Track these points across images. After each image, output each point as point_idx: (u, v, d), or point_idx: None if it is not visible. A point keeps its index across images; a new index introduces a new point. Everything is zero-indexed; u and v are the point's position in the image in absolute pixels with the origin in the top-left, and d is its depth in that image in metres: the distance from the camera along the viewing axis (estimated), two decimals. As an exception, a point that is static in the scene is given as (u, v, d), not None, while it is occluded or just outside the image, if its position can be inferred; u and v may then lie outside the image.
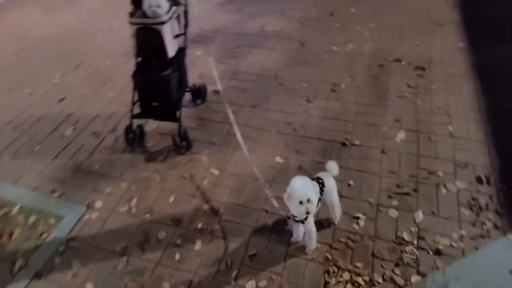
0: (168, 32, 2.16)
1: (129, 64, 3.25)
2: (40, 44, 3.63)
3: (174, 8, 2.16)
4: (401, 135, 2.31)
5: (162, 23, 2.09)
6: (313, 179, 1.68)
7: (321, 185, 1.67)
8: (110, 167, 2.32)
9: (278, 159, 2.27)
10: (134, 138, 2.43)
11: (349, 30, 3.45)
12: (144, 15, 2.13)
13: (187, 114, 2.58)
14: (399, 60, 2.97)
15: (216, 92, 2.87)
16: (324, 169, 1.77)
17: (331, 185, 1.71)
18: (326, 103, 2.66)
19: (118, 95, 2.92)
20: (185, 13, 2.27)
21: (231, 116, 2.23)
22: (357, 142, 2.31)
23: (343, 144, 2.31)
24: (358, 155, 2.23)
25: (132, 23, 2.12)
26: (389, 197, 1.97)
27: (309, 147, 2.33)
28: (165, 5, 2.10)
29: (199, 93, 2.74)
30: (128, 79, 3.09)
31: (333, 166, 1.75)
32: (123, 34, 3.68)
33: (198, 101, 2.77)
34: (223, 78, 2.99)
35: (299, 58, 3.15)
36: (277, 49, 3.30)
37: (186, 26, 2.30)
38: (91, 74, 3.18)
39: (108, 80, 3.09)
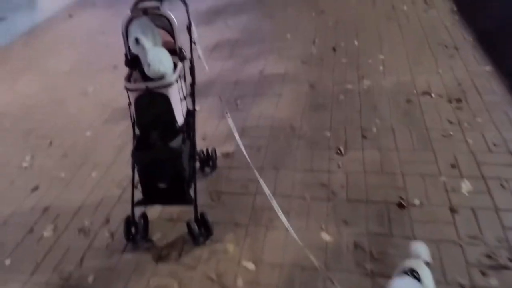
0: (176, 95, 1.86)
1: (113, 132, 2.92)
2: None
3: (180, 64, 1.88)
4: (466, 186, 2.04)
5: (169, 85, 1.79)
6: (405, 273, 1.33)
7: (417, 279, 1.33)
8: (109, 277, 1.88)
9: (325, 236, 1.92)
10: (137, 232, 2.02)
11: (359, 64, 3.29)
12: (144, 77, 1.83)
13: (197, 188, 2.22)
14: (428, 93, 2.80)
15: (227, 155, 2.55)
16: (406, 251, 1.43)
17: (428, 278, 1.37)
18: (362, 153, 2.39)
19: (105, 174, 2.53)
20: (191, 69, 1.99)
21: (261, 181, 1.91)
22: (416, 201, 2.01)
23: (400, 205, 2.00)
24: (423, 218, 1.92)
25: (130, 89, 1.80)
26: (483, 274, 1.64)
27: (358, 214, 2.00)
28: (170, 62, 1.81)
29: (209, 160, 2.41)
30: (114, 152, 2.73)
31: (421, 249, 1.43)
32: (100, 97, 3.36)
33: (208, 170, 2.43)
34: (230, 137, 2.68)
35: (313, 103, 2.92)
36: (284, 94, 3.07)
37: (193, 84, 2.01)
38: (68, 151, 2.79)
39: (89, 157, 2.70)
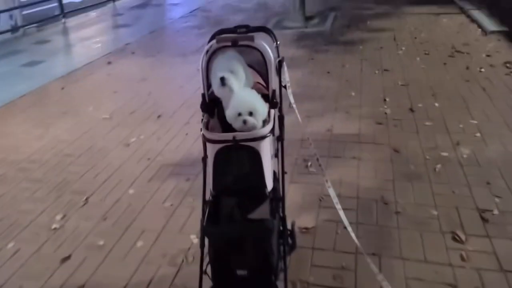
0: (268, 152, 1.49)
1: (161, 192, 2.53)
2: (28, 170, 2.90)
3: (272, 112, 1.54)
4: None
5: (263, 138, 1.42)
6: None
7: None
8: None
9: None
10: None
11: (449, 129, 2.93)
12: (225, 126, 1.48)
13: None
14: (551, 168, 2.38)
15: (306, 230, 2.11)
16: None
17: None
18: (487, 242, 1.91)
19: (154, 245, 2.10)
20: (280, 119, 1.63)
21: (379, 278, 1.43)
22: None
23: None
24: None
25: (211, 141, 1.44)
26: None
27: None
28: (264, 109, 1.47)
29: (286, 237, 1.96)
30: (164, 216, 2.33)
31: None
32: (144, 150, 3.05)
33: (286, 250, 1.97)
34: (308, 209, 2.27)
35: (404, 171, 2.51)
36: (364, 159, 2.69)
37: (281, 138, 1.63)
38: (107, 212, 2.40)
39: (134, 221, 2.30)
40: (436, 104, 3.32)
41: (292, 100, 1.62)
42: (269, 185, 1.53)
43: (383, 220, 2.13)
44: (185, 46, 5.72)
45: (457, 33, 5.18)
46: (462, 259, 1.84)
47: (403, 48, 4.74)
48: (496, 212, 2.10)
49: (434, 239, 1.97)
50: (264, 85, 1.57)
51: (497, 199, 2.18)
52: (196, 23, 6.93)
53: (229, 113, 1.44)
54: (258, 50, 1.49)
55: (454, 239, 1.96)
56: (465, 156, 2.60)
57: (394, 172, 2.52)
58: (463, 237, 1.95)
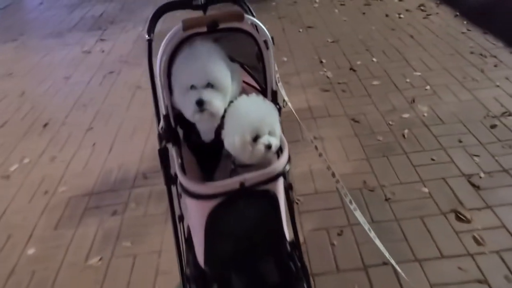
0: (282, 193, 0.96)
1: (78, 243, 1.84)
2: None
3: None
4: None
5: (282, 174, 0.89)
6: None
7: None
8: None
9: None
10: None
11: (397, 85, 2.72)
12: (205, 157, 0.92)
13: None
14: (509, 113, 2.31)
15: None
16: None
17: None
18: (491, 215, 1.72)
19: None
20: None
21: None
22: None
23: None
24: None
25: (204, 196, 0.85)
26: None
27: None
28: (278, 125, 0.95)
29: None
30: (94, 282, 1.64)
31: None
32: (35, 179, 2.19)
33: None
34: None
35: (374, 145, 2.20)
36: (326, 137, 2.31)
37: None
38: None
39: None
40: (374, 59, 3.08)
41: (285, 96, 1.08)
42: (287, 235, 1.02)
43: (377, 214, 1.79)
44: (57, 22, 4.49)
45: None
46: (477, 242, 1.61)
47: (317, 0, 4.40)
48: (482, 174, 1.93)
49: (439, 225, 1.71)
50: (255, 85, 0.99)
51: (476, 159, 2.02)
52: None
53: (235, 139, 0.86)
54: (250, 35, 0.90)
55: (458, 218, 1.73)
56: (426, 114, 2.40)
57: (364, 148, 2.20)
58: (467, 214, 1.74)
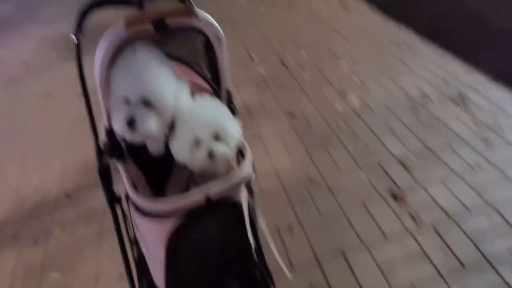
0: (246, 202, 0.95)
1: None
2: None
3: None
4: None
5: (247, 180, 0.89)
6: None
7: None
8: None
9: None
10: None
11: (328, 79, 2.86)
12: (153, 171, 0.88)
13: None
14: (427, 97, 2.56)
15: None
16: None
17: None
18: (422, 192, 1.90)
19: None
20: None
21: None
22: None
23: None
24: None
25: (164, 214, 0.80)
26: None
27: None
28: (235, 127, 0.96)
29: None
30: None
31: None
32: None
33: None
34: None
35: (313, 139, 2.29)
36: (265, 135, 2.34)
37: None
38: None
39: None
40: (304, 55, 3.20)
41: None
42: (252, 243, 1.02)
43: (323, 206, 1.88)
44: None
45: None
46: (415, 220, 1.77)
47: (241, -4, 4.44)
48: (411, 156, 2.12)
49: (380, 208, 1.84)
50: (203, 84, 0.96)
51: (405, 142, 2.22)
52: None
53: (179, 144, 0.82)
54: (199, 32, 0.86)
55: (394, 198, 1.88)
56: (357, 105, 2.57)
57: (304, 143, 2.28)
58: (402, 195, 1.90)
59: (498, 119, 2.31)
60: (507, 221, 1.72)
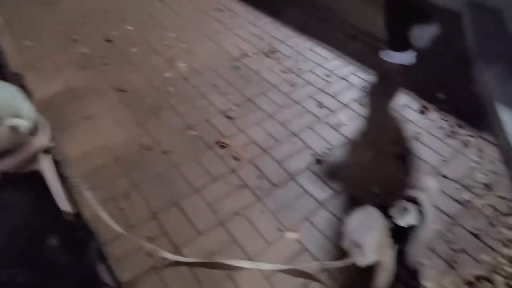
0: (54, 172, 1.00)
1: None
2: None
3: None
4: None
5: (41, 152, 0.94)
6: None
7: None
8: None
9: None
10: None
11: (156, 49, 2.94)
12: None
13: None
14: (246, 55, 2.86)
15: None
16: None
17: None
18: (243, 136, 2.21)
19: None
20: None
21: None
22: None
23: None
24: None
25: None
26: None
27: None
28: (26, 102, 0.95)
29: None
30: None
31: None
32: None
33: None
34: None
35: (144, 109, 2.39)
36: (96, 116, 2.34)
37: None
38: None
39: None
40: (130, 28, 3.20)
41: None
42: (68, 208, 1.07)
43: (158, 168, 2.02)
44: None
45: None
46: (236, 159, 2.06)
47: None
48: (234, 107, 2.41)
49: (208, 157, 2.08)
50: None
51: (228, 96, 2.49)
52: None
53: None
54: None
55: (221, 147, 2.14)
56: (185, 70, 2.73)
57: (135, 115, 2.36)
58: (226, 141, 2.16)
59: (300, 63, 2.77)
60: (304, 143, 2.14)
